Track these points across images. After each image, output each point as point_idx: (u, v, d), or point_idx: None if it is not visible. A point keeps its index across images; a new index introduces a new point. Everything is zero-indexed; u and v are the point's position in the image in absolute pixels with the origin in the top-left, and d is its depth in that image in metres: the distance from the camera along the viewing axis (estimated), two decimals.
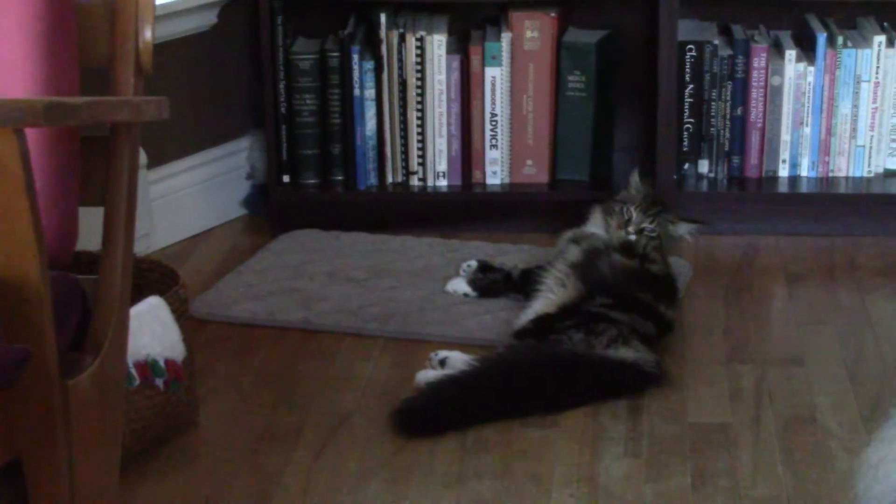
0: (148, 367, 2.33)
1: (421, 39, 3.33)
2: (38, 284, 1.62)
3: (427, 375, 2.60)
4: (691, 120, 3.36)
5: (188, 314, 2.49)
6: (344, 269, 3.15)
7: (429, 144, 3.39)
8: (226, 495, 2.30)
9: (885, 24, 3.39)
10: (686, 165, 3.39)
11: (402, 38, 3.33)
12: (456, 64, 3.35)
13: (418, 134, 3.38)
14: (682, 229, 2.98)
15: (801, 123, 3.36)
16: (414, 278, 3.09)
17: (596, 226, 2.98)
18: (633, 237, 2.91)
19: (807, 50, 3.37)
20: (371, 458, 2.39)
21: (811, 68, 3.33)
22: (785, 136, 3.37)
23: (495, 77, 3.36)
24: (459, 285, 3.00)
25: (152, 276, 2.53)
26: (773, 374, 2.68)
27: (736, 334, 2.86)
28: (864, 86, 3.34)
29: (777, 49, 3.38)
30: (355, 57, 3.33)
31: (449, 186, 3.41)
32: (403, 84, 3.35)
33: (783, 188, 3.37)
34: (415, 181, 3.41)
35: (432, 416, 2.49)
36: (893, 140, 3.38)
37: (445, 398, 2.52)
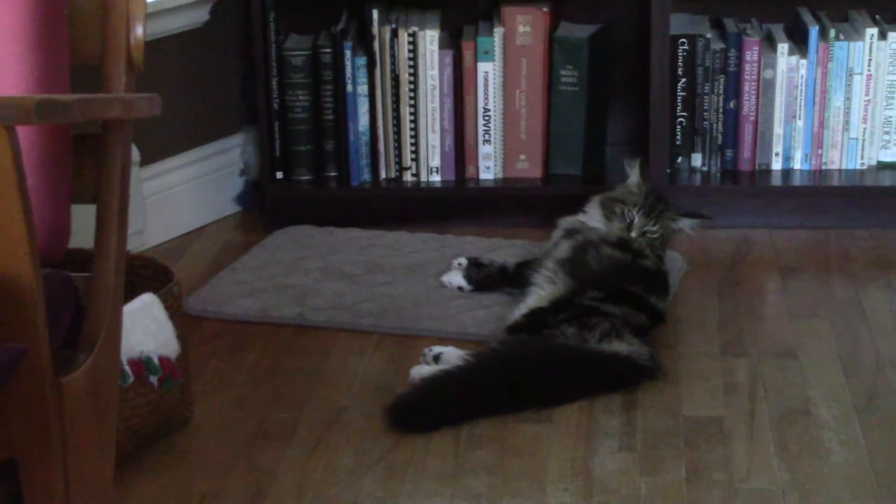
0: (142, 365, 2.33)
1: (413, 35, 3.33)
2: (30, 282, 1.62)
3: (421, 371, 2.60)
4: (684, 114, 3.36)
5: (182, 311, 2.49)
6: (338, 264, 3.15)
7: (422, 140, 3.38)
8: (220, 492, 2.30)
9: (877, 16, 3.40)
10: (679, 159, 3.39)
11: (394, 34, 3.33)
12: (448, 59, 3.35)
13: (411, 129, 3.38)
14: (684, 225, 2.98)
15: (794, 116, 3.37)
16: (408, 274, 3.09)
17: (594, 220, 2.97)
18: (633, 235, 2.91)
19: (799, 43, 3.37)
20: (365, 454, 2.39)
21: (803, 61, 3.33)
22: (778, 130, 3.37)
23: (488, 72, 3.36)
24: (455, 278, 3.00)
25: (146, 274, 2.53)
26: (767, 367, 2.68)
27: (730, 327, 2.86)
28: (856, 78, 3.34)
29: (769, 42, 3.38)
30: (348, 53, 3.32)
31: (442, 182, 3.41)
32: (396, 80, 3.35)
33: (776, 181, 3.37)
34: (408, 177, 3.41)
35: (426, 411, 2.49)
36: (886, 132, 3.38)
37: (439, 394, 2.52)
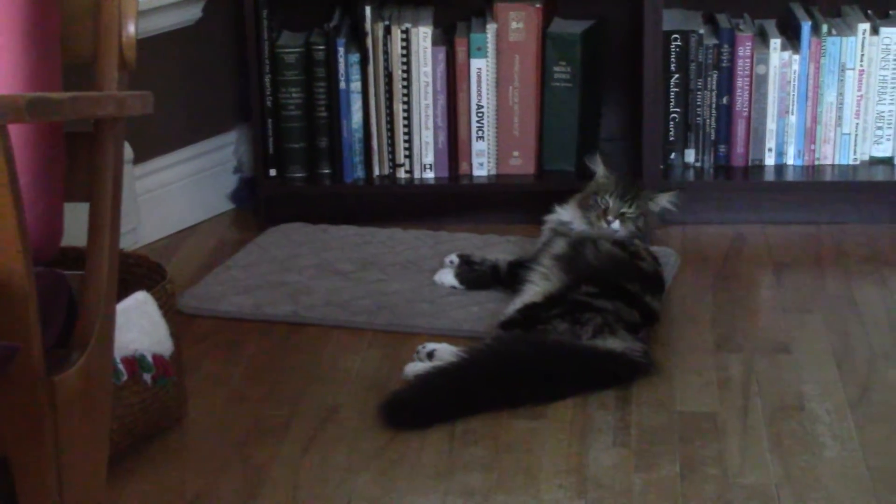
0: (136, 363, 2.33)
1: (406, 32, 3.33)
2: (23, 280, 1.62)
3: (415, 368, 2.60)
4: (677, 109, 3.37)
5: (176, 309, 2.49)
6: (331, 262, 3.15)
7: (415, 137, 3.38)
8: (214, 490, 2.30)
9: (869, 11, 3.40)
10: (672, 155, 3.40)
11: (387, 31, 3.33)
12: (441, 56, 3.35)
13: (405, 126, 3.38)
14: (663, 201, 2.98)
15: (787, 112, 3.37)
16: (402, 271, 3.10)
17: (577, 221, 2.97)
18: (615, 226, 2.90)
19: (791, 38, 3.38)
20: (359, 451, 2.39)
21: (796, 57, 3.33)
22: (771, 125, 3.38)
23: (481, 68, 3.36)
24: (447, 277, 3.00)
25: (139, 272, 2.53)
26: (760, 363, 2.68)
27: (723, 323, 2.86)
28: (849, 74, 3.35)
29: (762, 38, 3.38)
30: (341, 50, 3.32)
31: (436, 178, 3.41)
32: (389, 76, 3.35)
33: (769, 177, 3.37)
34: (401, 173, 3.41)
35: (420, 408, 2.49)
36: (879, 128, 3.38)
37: (433, 390, 2.52)
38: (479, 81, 3.36)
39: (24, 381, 1.65)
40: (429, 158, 3.40)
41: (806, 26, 3.33)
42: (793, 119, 3.37)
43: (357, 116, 3.37)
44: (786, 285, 3.05)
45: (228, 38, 3.49)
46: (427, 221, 3.39)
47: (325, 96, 3.35)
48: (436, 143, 3.39)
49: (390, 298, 2.95)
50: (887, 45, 3.33)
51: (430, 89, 3.36)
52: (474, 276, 2.99)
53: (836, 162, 3.40)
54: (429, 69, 3.35)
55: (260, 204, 3.42)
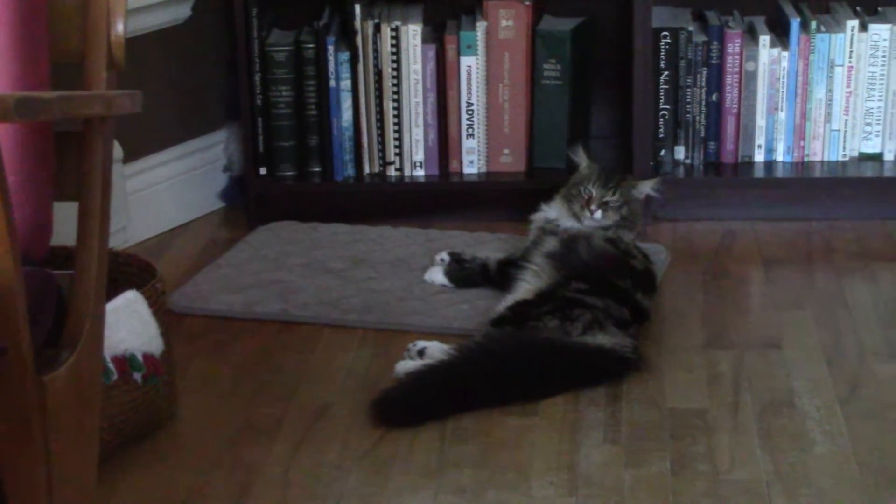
0: (126, 362, 2.33)
1: (396, 30, 3.33)
2: (11, 280, 1.62)
3: (406, 366, 2.60)
4: (667, 106, 3.37)
5: (166, 308, 2.48)
6: (322, 260, 3.15)
7: (405, 134, 3.38)
8: (206, 489, 2.30)
9: (858, 8, 3.41)
10: (662, 152, 3.40)
11: (377, 29, 3.33)
12: (431, 54, 3.35)
13: (395, 124, 3.38)
14: (646, 188, 2.99)
15: (776, 108, 3.37)
16: (392, 268, 3.10)
17: (563, 217, 2.98)
18: (598, 216, 2.91)
19: (781, 35, 3.38)
20: (351, 450, 2.39)
21: (785, 53, 3.34)
22: (760, 122, 3.38)
23: (471, 66, 3.36)
24: (437, 275, 3.00)
25: (129, 271, 2.53)
26: (751, 359, 2.68)
27: (714, 319, 2.87)
28: (837, 70, 3.35)
29: (751, 35, 3.39)
30: (330, 48, 3.32)
31: (426, 176, 3.41)
32: (379, 74, 3.35)
33: (759, 173, 3.38)
34: (392, 171, 3.41)
35: (411, 406, 2.49)
36: (868, 124, 3.39)
37: (424, 388, 2.52)
38: (469, 79, 3.36)
39: (14, 380, 1.65)
40: (419, 156, 3.40)
41: (795, 23, 3.33)
42: (782, 115, 3.38)
43: (347, 114, 3.37)
44: (776, 282, 3.06)
45: (218, 37, 3.48)
46: (417, 219, 3.39)
47: (314, 94, 3.35)
48: (426, 140, 3.39)
49: (381, 296, 2.95)
50: (876, 41, 3.33)
51: (420, 87, 3.36)
52: (464, 274, 2.99)
53: (826, 158, 3.40)
54: (419, 67, 3.35)
55: (250, 202, 3.42)
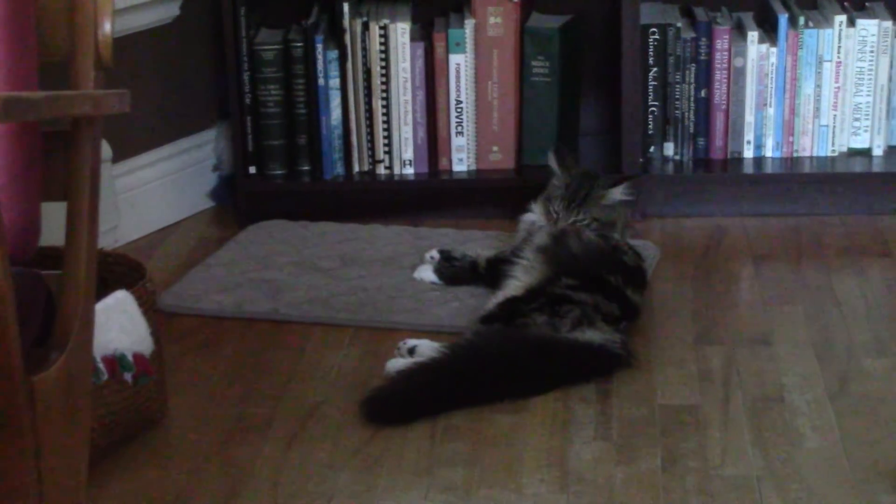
0: (116, 362, 2.32)
1: (384, 28, 3.32)
2: (0, 281, 1.61)
3: (396, 364, 2.60)
4: (656, 103, 3.37)
5: (156, 307, 2.48)
6: (312, 258, 3.14)
7: (394, 133, 3.38)
8: (196, 488, 2.29)
9: (846, 3, 3.41)
10: (651, 148, 3.40)
11: (365, 27, 3.33)
12: (420, 51, 3.35)
13: (384, 122, 3.38)
14: (616, 195, 2.96)
15: (765, 104, 3.38)
16: (382, 267, 3.09)
17: (540, 219, 2.98)
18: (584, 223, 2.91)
19: (769, 31, 3.39)
20: (341, 448, 2.39)
21: (773, 49, 3.34)
22: (749, 118, 3.38)
23: (459, 64, 3.36)
24: (426, 273, 3.00)
25: (119, 270, 2.52)
26: (741, 355, 2.69)
27: (703, 315, 2.87)
28: (826, 65, 3.36)
29: (739, 31, 3.39)
30: (319, 47, 3.32)
31: (415, 174, 3.41)
32: (368, 73, 3.35)
33: (748, 169, 3.38)
34: (381, 170, 3.41)
35: (402, 404, 2.49)
36: (856, 119, 3.39)
37: (415, 386, 2.52)
38: (457, 77, 3.36)
39: (3, 381, 1.65)
40: (408, 154, 3.40)
41: (783, 19, 3.34)
42: (771, 111, 3.38)
43: (336, 113, 3.37)
44: (765, 277, 3.06)
45: (206, 36, 3.48)
46: (407, 217, 3.39)
47: (303, 93, 3.35)
48: (415, 138, 3.39)
49: (371, 295, 2.95)
50: (864, 36, 3.34)
51: (408, 85, 3.36)
52: (453, 271, 2.99)
53: (815, 154, 3.41)
54: (407, 65, 3.35)
55: (240, 201, 3.41)
